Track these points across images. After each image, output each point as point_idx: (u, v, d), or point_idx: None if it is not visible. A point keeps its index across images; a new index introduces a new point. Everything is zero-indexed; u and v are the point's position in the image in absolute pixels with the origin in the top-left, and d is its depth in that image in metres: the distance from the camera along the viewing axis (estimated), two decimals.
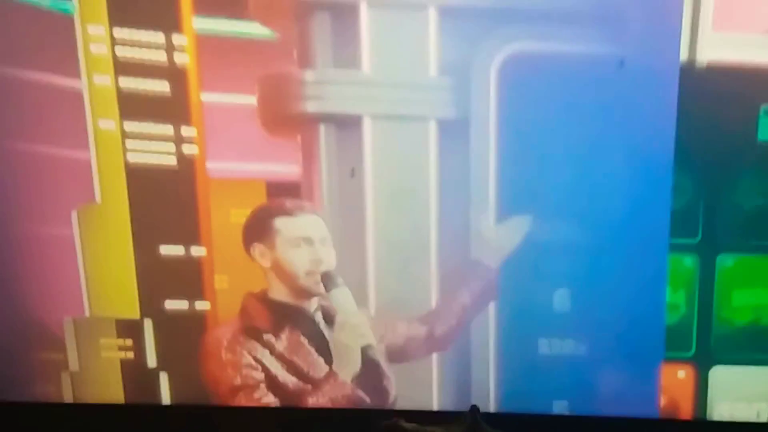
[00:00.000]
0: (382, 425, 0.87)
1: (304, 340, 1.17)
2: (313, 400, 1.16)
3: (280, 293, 1.17)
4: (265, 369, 1.16)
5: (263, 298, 1.17)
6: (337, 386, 1.15)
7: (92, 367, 1.22)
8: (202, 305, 1.19)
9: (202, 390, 1.21)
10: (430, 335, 1.19)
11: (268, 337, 1.17)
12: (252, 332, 1.17)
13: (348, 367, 1.14)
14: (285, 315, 1.17)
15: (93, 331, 1.20)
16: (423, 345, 1.21)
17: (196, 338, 1.20)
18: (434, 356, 1.22)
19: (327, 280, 1.15)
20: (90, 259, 1.16)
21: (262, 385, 1.16)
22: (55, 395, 1.22)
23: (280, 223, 1.14)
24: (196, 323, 1.20)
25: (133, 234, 1.16)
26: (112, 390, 1.22)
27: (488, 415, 0.99)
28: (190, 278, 1.18)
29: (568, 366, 1.20)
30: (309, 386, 1.17)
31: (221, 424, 1.19)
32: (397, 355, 1.20)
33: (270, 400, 1.16)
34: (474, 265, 1.15)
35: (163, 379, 1.22)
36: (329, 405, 1.15)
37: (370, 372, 1.17)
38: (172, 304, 1.19)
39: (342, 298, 1.14)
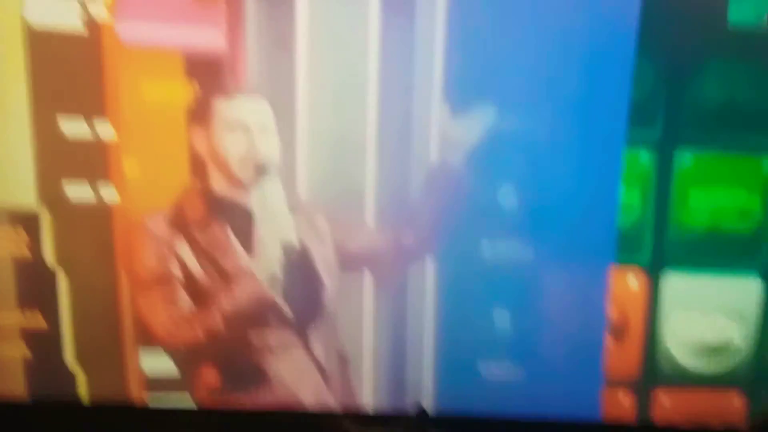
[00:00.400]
0: None
1: (231, 235, 1.05)
2: (227, 301, 1.02)
3: (217, 183, 1.05)
4: (183, 265, 1.03)
5: (198, 188, 1.05)
6: (249, 284, 1.01)
7: None
8: (109, 193, 1.04)
9: (109, 292, 1.07)
10: (397, 243, 1.08)
11: (194, 230, 1.05)
12: (178, 223, 1.05)
13: (263, 264, 1.01)
14: (217, 207, 1.05)
15: None
16: (391, 253, 1.09)
17: (104, 232, 1.06)
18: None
19: (258, 169, 1.03)
20: None
21: (178, 284, 1.02)
22: None
23: (219, 104, 1.02)
24: (102, 215, 1.05)
25: (31, 106, 1.00)
26: (3, 295, 1.07)
27: None
28: (95, 160, 1.03)
29: (513, 270, 1.10)
30: (224, 284, 1.04)
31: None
32: (353, 262, 1.09)
33: (183, 302, 1.02)
34: (434, 163, 1.05)
35: (61, 279, 1.07)
36: (243, 305, 1.01)
37: (293, 275, 1.04)
38: (75, 191, 1.04)
39: (270, 190, 1.03)
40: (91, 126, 1.03)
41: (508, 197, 1.09)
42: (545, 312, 1.12)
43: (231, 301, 1.01)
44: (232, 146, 1.02)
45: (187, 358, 1.09)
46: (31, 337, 1.10)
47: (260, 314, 1.00)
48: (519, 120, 1.05)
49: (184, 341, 1.01)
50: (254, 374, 1.05)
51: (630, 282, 1.12)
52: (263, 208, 1.01)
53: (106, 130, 1.03)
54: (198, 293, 1.03)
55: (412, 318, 1.13)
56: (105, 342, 1.11)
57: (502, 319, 1.13)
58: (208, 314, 1.01)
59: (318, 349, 1.06)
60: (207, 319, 1.01)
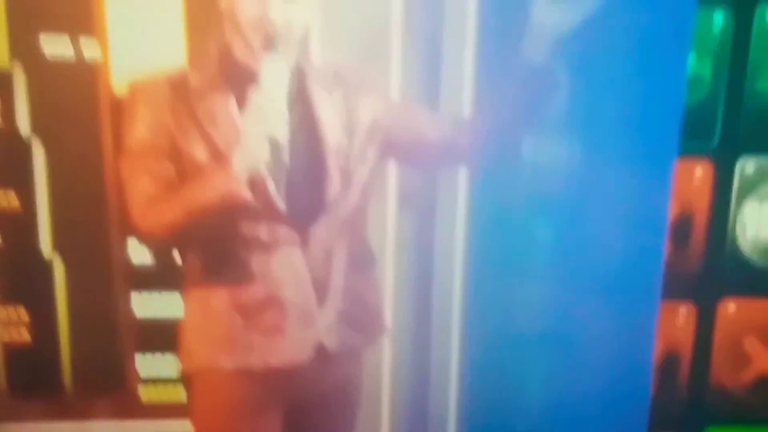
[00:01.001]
0: None
1: (234, 104, 0.88)
2: (197, 185, 0.86)
3: (233, 43, 0.87)
4: (172, 135, 0.87)
5: (215, 43, 0.88)
6: (226, 175, 0.84)
7: None
8: (90, 47, 0.90)
9: (92, 167, 0.93)
10: (453, 141, 0.95)
11: (196, 95, 0.87)
12: (178, 87, 0.87)
13: (243, 156, 0.84)
14: (229, 68, 0.88)
15: None
16: (444, 150, 0.96)
17: (88, 92, 0.92)
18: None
19: (269, 42, 0.85)
20: None
21: (164, 156, 0.87)
22: None
23: None
24: (84, 72, 0.91)
25: None
26: None
27: None
28: (72, 7, 0.89)
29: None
30: (206, 165, 0.87)
31: None
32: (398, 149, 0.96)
33: (167, 173, 0.87)
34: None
35: (38, 152, 0.94)
36: (211, 193, 0.85)
37: (277, 172, 0.87)
38: (51, 43, 0.90)
39: (272, 73, 0.84)
40: None
41: None
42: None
43: (217, 184, 0.85)
44: (246, 6, 0.85)
45: (166, 243, 0.94)
46: (2, 221, 0.96)
47: (238, 200, 0.85)
48: None
49: (162, 223, 0.85)
50: (237, 266, 0.90)
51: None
52: (263, 89, 0.83)
53: None
54: (186, 171, 0.87)
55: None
56: (87, 227, 0.97)
57: None
58: (192, 196, 0.85)
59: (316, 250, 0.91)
60: (190, 202, 0.85)
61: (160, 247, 0.93)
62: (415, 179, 1.05)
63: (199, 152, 0.87)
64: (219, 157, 0.86)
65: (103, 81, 0.92)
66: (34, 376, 1.04)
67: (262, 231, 0.89)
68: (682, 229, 1.00)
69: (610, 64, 0.96)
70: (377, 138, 0.94)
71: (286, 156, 0.85)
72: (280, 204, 0.87)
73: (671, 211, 0.99)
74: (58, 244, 0.99)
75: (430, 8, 0.99)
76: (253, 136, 0.83)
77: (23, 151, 0.96)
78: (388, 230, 1.06)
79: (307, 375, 0.92)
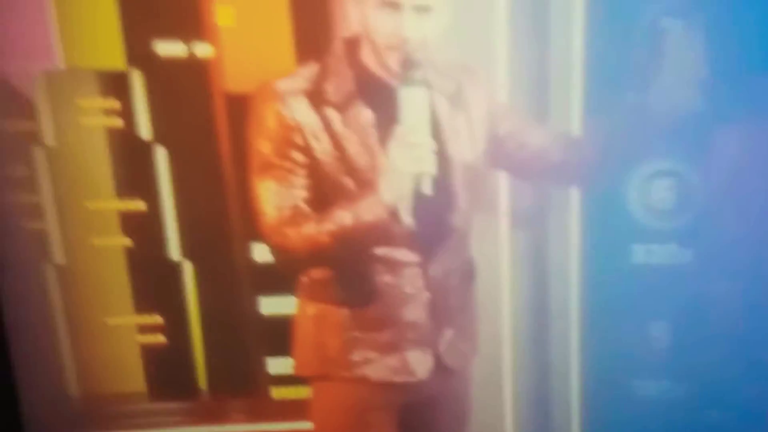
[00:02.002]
0: None
1: (373, 122, 0.85)
2: (343, 210, 0.84)
3: (368, 57, 0.86)
4: (309, 149, 0.85)
5: (349, 52, 0.86)
6: (373, 203, 0.82)
7: (71, 140, 0.94)
8: (202, 49, 0.90)
9: (214, 169, 0.92)
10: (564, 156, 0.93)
11: (332, 105, 0.85)
12: (315, 94, 0.85)
13: (392, 189, 0.82)
14: (363, 84, 0.86)
15: (69, 89, 0.92)
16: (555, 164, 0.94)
17: (202, 96, 0.91)
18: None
19: (408, 66, 0.82)
20: None
21: (299, 169, 0.85)
22: (28, 179, 0.95)
23: None
24: (197, 74, 0.91)
25: None
26: (98, 167, 0.95)
27: None
28: (185, 11, 0.89)
29: None
30: (348, 187, 0.86)
31: None
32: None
33: (300, 193, 0.85)
34: None
35: (160, 154, 0.94)
36: (359, 221, 0.84)
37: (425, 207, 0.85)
38: (166, 49, 0.90)
39: (413, 101, 0.81)
40: None
41: None
42: None
43: (365, 211, 0.83)
44: (380, 25, 0.82)
45: (299, 259, 0.92)
46: (130, 224, 0.97)
47: (383, 228, 0.83)
48: None
49: (301, 241, 0.83)
50: (360, 284, 0.89)
51: None
52: (405, 118, 0.81)
53: None
54: (321, 188, 0.86)
55: None
56: (212, 232, 0.97)
57: None
58: (337, 220, 0.83)
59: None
60: (334, 225, 0.83)
61: (290, 261, 0.92)
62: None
63: (335, 169, 0.85)
64: (358, 178, 0.85)
65: (218, 81, 0.91)
66: (171, 379, 1.05)
67: (391, 252, 0.88)
68: None
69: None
70: (492, 144, 0.90)
71: (429, 186, 0.83)
72: (411, 227, 0.86)
73: None
74: (187, 248, 0.99)
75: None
76: (400, 169, 0.81)
77: (146, 156, 0.96)
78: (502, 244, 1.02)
79: (423, 385, 0.92)
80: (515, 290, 1.03)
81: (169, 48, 0.91)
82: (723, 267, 0.98)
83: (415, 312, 0.90)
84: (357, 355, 0.91)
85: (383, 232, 0.85)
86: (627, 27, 0.91)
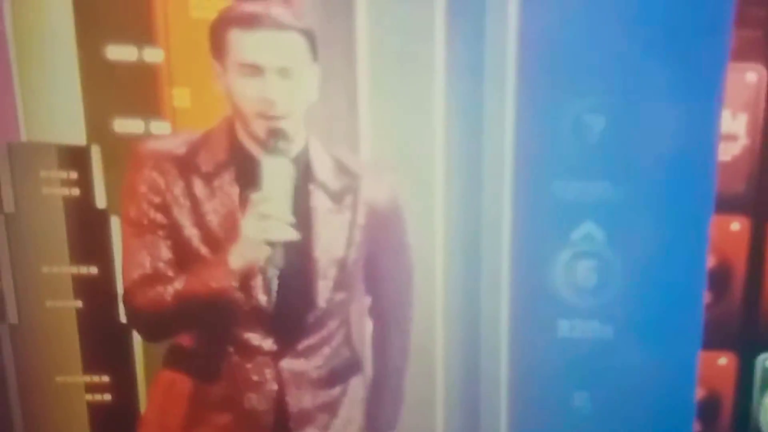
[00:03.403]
0: None
1: (237, 195, 0.87)
2: (190, 280, 0.86)
3: (240, 130, 0.88)
4: (170, 212, 0.88)
5: (228, 127, 0.89)
6: (221, 270, 0.83)
7: (30, 208, 0.99)
8: (159, 127, 0.96)
9: None
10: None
11: (199, 175, 0.88)
12: (187, 160, 0.88)
13: (241, 258, 0.83)
14: (236, 156, 0.87)
15: (31, 160, 0.98)
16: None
17: None
18: None
19: (272, 134, 0.83)
20: (25, 64, 0.94)
21: (161, 230, 0.88)
22: None
23: (233, 36, 0.83)
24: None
25: (77, 32, 0.94)
26: (54, 234, 1.00)
27: None
28: (144, 91, 0.95)
29: None
30: (204, 255, 0.87)
31: None
32: None
33: (161, 254, 0.88)
34: None
35: (114, 223, 0.99)
36: (201, 291, 0.85)
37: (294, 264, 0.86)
38: (124, 125, 0.96)
39: (272, 170, 0.82)
40: (140, 53, 0.95)
41: None
42: None
43: (209, 278, 0.84)
44: (245, 92, 0.83)
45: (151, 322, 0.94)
46: (82, 288, 1.02)
47: (226, 296, 0.84)
48: None
49: (152, 303, 0.86)
50: (212, 361, 0.90)
51: None
52: (263, 187, 0.82)
53: (154, 56, 0.94)
54: (180, 254, 0.87)
55: None
56: None
57: None
58: (185, 285, 0.85)
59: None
60: (181, 290, 0.85)
61: (144, 325, 0.94)
62: None
63: (192, 236, 0.86)
64: (214, 247, 0.85)
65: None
66: None
67: (242, 332, 0.88)
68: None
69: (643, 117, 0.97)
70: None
71: (281, 260, 0.83)
72: (267, 311, 0.86)
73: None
74: None
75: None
76: (251, 238, 0.81)
77: (101, 223, 1.02)
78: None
79: None
80: (448, 360, 1.08)
81: (127, 125, 0.97)
82: (639, 342, 1.05)
83: (258, 402, 0.88)
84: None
85: (228, 302, 0.84)
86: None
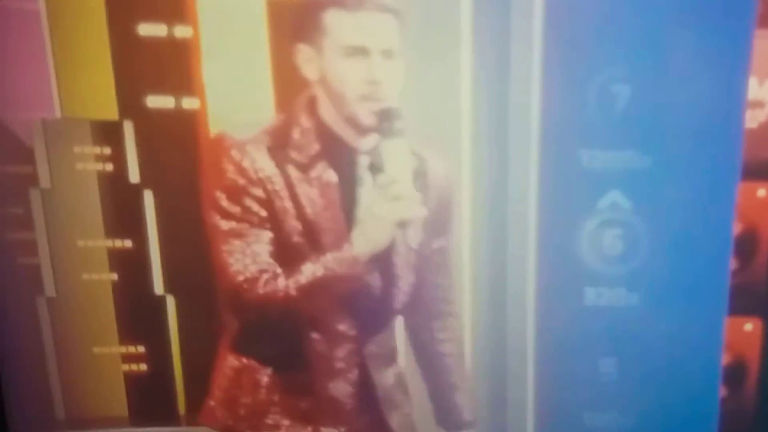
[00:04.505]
0: None
1: (336, 185, 0.87)
2: (311, 268, 0.86)
3: (329, 115, 0.87)
4: (269, 203, 0.86)
5: (309, 110, 0.86)
6: (344, 259, 0.83)
7: (65, 183, 1.01)
8: (190, 103, 0.98)
9: (196, 211, 1.00)
10: None
11: (294, 164, 0.86)
12: (277, 151, 0.86)
13: (367, 241, 0.83)
14: (326, 143, 0.86)
15: (65, 136, 1.00)
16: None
17: (188, 146, 0.99)
18: None
19: (383, 118, 0.82)
20: (58, 42, 0.96)
21: (254, 229, 0.87)
22: (24, 218, 1.02)
23: (332, 17, 0.82)
24: (185, 126, 0.99)
25: (108, 10, 0.95)
26: (89, 209, 1.02)
27: None
28: (175, 68, 0.97)
29: None
30: (313, 245, 0.86)
31: None
32: None
33: (260, 248, 0.87)
34: None
35: (147, 197, 1.01)
36: (325, 278, 0.85)
37: (395, 257, 0.86)
38: (156, 101, 0.98)
39: (393, 152, 0.82)
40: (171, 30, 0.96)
41: None
42: None
43: (320, 272, 0.84)
44: (348, 75, 0.82)
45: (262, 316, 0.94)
46: (118, 261, 1.04)
47: (354, 282, 0.85)
48: None
49: (260, 298, 0.85)
50: (294, 350, 0.89)
51: None
52: (386, 169, 0.82)
53: (184, 32, 0.96)
54: (283, 245, 0.86)
55: None
56: (194, 269, 1.04)
57: None
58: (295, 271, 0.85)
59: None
60: (293, 276, 0.85)
61: (257, 318, 0.93)
62: None
63: (293, 228, 0.85)
64: (315, 239, 0.84)
65: (203, 131, 0.99)
66: (151, 405, 1.11)
67: (331, 321, 0.88)
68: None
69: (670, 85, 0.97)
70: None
71: (416, 238, 0.83)
72: (359, 300, 0.86)
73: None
74: (170, 284, 1.06)
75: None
76: (385, 220, 0.81)
77: (134, 198, 1.04)
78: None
79: None
80: (476, 330, 1.10)
81: (158, 101, 0.99)
82: (665, 309, 1.06)
83: (340, 389, 0.88)
84: (270, 419, 0.90)
85: (354, 288, 0.85)
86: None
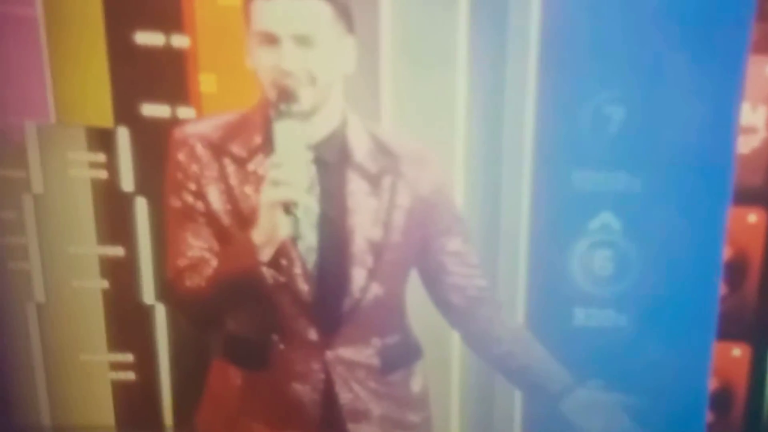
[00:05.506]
0: None
1: (262, 174, 0.83)
2: (219, 261, 0.83)
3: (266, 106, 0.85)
4: (205, 199, 0.85)
5: (262, 109, 0.85)
6: (244, 248, 0.80)
7: (58, 189, 1.01)
8: (185, 112, 0.98)
9: None
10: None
11: (233, 158, 0.85)
12: (220, 143, 0.85)
13: (261, 229, 0.79)
14: (266, 137, 0.84)
15: (59, 142, 1.00)
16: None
17: None
18: None
19: (283, 98, 0.78)
20: (55, 48, 0.96)
21: (201, 217, 0.85)
22: (16, 223, 1.02)
23: (255, 5, 0.80)
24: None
25: (106, 18, 0.96)
26: (82, 215, 1.02)
27: None
28: (171, 77, 0.97)
29: None
30: (229, 235, 0.84)
31: None
32: None
33: (202, 243, 0.85)
34: None
35: (140, 205, 1.02)
36: (231, 270, 0.82)
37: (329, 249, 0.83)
38: (151, 110, 0.98)
39: (283, 135, 0.77)
40: (168, 39, 0.96)
41: None
42: None
43: (223, 265, 0.82)
44: (263, 62, 0.80)
45: (192, 308, 0.92)
46: (109, 269, 1.04)
47: (258, 290, 0.82)
48: None
49: (191, 289, 0.83)
50: (259, 351, 0.88)
51: None
52: (276, 153, 0.77)
53: (181, 42, 0.96)
54: (220, 239, 0.84)
55: None
56: None
57: None
58: (218, 267, 0.82)
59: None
60: (215, 272, 0.82)
61: (190, 312, 0.92)
62: None
63: (228, 222, 0.84)
64: (244, 227, 0.81)
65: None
66: (138, 414, 1.11)
67: (289, 321, 0.85)
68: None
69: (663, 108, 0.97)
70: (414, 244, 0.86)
71: (308, 232, 0.80)
72: (304, 293, 0.83)
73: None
74: (161, 292, 1.06)
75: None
76: (266, 206, 0.77)
77: (126, 206, 1.04)
78: None
79: None
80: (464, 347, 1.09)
81: (154, 109, 0.99)
82: (654, 331, 1.06)
83: (305, 393, 0.86)
84: (253, 423, 0.88)
85: (258, 282, 0.81)
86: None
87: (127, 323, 1.07)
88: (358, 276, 0.86)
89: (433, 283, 0.92)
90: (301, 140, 0.79)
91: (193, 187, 0.85)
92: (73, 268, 1.05)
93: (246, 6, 0.82)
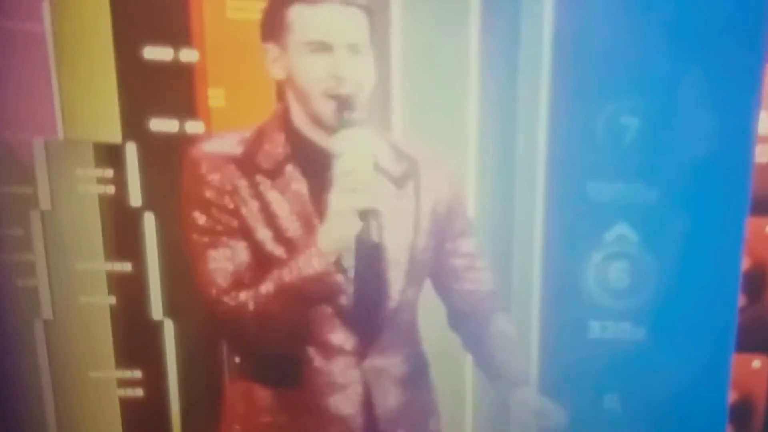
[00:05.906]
0: None
1: (306, 188, 0.85)
2: (282, 273, 0.83)
3: (299, 118, 0.86)
4: (240, 216, 0.85)
5: (282, 118, 0.86)
6: (312, 257, 0.80)
7: (65, 205, 1.00)
8: (194, 127, 0.97)
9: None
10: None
11: (262, 172, 0.85)
12: (244, 159, 0.85)
13: (332, 237, 0.80)
14: (296, 148, 0.86)
15: (67, 158, 0.99)
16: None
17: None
18: None
19: (343, 108, 0.80)
20: (63, 64, 0.95)
21: (231, 239, 0.85)
22: (23, 239, 1.01)
23: (296, 13, 0.81)
24: (188, 149, 0.98)
25: (114, 34, 0.95)
26: (89, 231, 1.01)
27: None
28: (179, 91, 0.96)
29: None
30: (279, 254, 0.84)
31: None
32: None
33: (240, 259, 0.85)
34: None
35: (148, 221, 1.00)
36: (297, 281, 0.82)
37: (368, 254, 0.84)
38: (160, 125, 0.97)
39: (352, 140, 0.79)
40: (176, 54, 0.95)
41: None
42: None
43: (287, 277, 0.82)
44: (312, 71, 0.81)
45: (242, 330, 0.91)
46: (116, 285, 1.03)
47: (318, 302, 0.82)
48: None
49: (236, 310, 0.83)
50: (293, 368, 0.87)
51: None
52: (344, 160, 0.79)
53: (189, 56, 0.95)
54: (257, 255, 0.84)
55: None
56: (193, 294, 1.03)
57: None
58: (258, 286, 0.82)
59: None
60: (256, 293, 0.82)
61: (232, 331, 0.91)
62: None
63: (265, 236, 0.84)
64: (289, 245, 0.82)
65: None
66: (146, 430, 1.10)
67: (325, 334, 0.85)
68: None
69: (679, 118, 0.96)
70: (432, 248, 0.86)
71: (378, 232, 0.80)
72: (343, 301, 0.83)
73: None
74: (169, 308, 1.04)
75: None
76: (342, 212, 0.78)
77: (134, 221, 1.03)
78: None
79: None
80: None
81: (162, 124, 0.98)
82: (672, 344, 1.04)
83: (344, 405, 0.86)
84: None
85: (326, 289, 0.82)
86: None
87: (135, 339, 1.06)
88: (396, 280, 0.86)
89: (445, 287, 0.93)
90: (366, 146, 0.80)
91: (228, 204, 0.83)
92: (80, 284, 1.03)
93: (278, 13, 0.81)
